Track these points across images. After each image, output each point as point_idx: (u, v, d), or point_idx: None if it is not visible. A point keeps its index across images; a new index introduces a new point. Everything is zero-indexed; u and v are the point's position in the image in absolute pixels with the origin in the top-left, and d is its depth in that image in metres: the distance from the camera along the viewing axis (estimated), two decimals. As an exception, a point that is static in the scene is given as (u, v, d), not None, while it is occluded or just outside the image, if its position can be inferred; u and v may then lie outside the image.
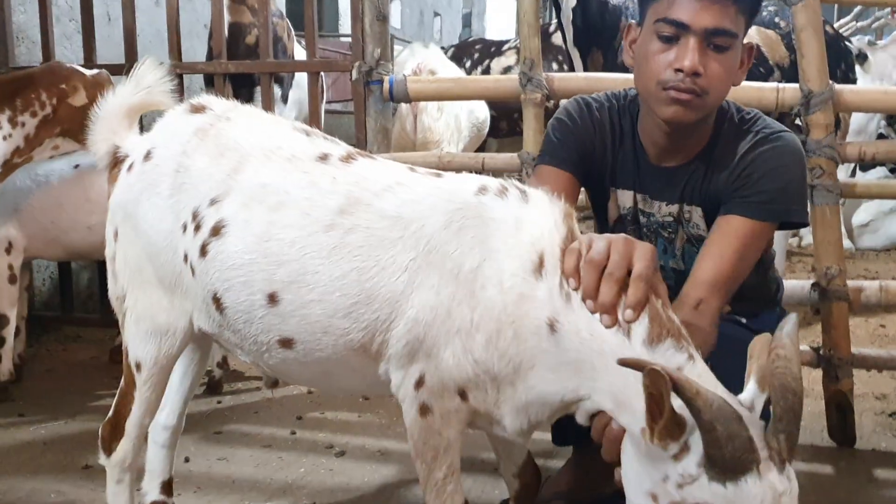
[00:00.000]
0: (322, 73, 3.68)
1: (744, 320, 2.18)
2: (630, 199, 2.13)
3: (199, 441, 2.95)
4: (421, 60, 5.08)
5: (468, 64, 6.34)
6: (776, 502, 1.33)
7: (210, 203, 1.82)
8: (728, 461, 1.32)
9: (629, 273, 1.57)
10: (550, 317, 1.60)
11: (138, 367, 1.95)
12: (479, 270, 1.65)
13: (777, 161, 1.94)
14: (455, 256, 1.67)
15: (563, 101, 2.22)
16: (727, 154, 1.99)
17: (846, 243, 6.54)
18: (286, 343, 1.78)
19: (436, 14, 18.04)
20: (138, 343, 1.95)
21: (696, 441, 1.36)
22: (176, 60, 3.62)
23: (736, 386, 1.51)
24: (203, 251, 1.81)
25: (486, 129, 5.69)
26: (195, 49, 5.12)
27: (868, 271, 5.98)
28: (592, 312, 1.57)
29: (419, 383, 1.70)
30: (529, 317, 1.62)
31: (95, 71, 3.29)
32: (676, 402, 1.36)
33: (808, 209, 2.06)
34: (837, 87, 2.76)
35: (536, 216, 1.69)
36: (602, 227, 2.23)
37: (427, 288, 1.67)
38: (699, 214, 2.06)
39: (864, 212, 6.84)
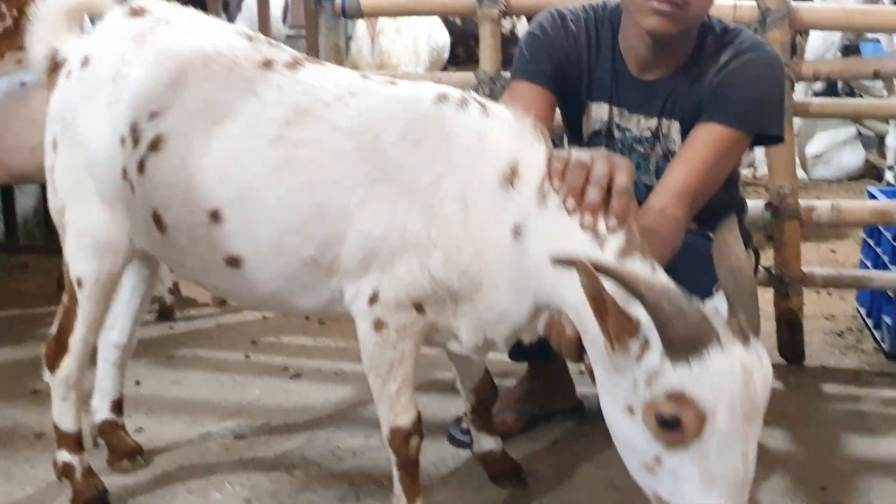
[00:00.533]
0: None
1: (711, 235, 2.16)
2: (606, 113, 2.10)
3: (151, 365, 2.92)
4: None
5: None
6: (747, 379, 1.30)
7: (149, 116, 1.74)
8: (685, 337, 1.29)
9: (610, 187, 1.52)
10: (517, 223, 1.55)
11: (80, 283, 1.90)
12: (438, 185, 1.59)
13: (757, 71, 1.93)
14: (413, 170, 1.61)
15: (536, 16, 2.16)
16: (709, 66, 1.97)
17: (801, 174, 6.60)
18: (233, 262, 1.72)
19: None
20: (79, 259, 1.89)
21: (654, 335, 1.34)
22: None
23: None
24: (141, 167, 1.73)
25: (447, 55, 5.59)
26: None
27: (820, 199, 6.05)
28: (573, 212, 1.51)
29: (373, 298, 1.65)
30: (493, 231, 1.57)
31: None
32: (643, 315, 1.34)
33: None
34: (794, 3, 2.74)
35: (501, 130, 1.63)
36: (576, 143, 2.19)
37: (382, 201, 1.61)
38: (677, 130, 2.04)
39: (817, 143, 6.88)
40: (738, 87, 1.91)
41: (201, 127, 1.70)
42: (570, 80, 2.07)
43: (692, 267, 1.64)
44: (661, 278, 1.47)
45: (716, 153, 1.87)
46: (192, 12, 1.91)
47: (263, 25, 3.49)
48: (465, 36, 5.61)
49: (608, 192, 1.51)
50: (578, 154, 1.56)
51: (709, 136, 1.88)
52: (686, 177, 1.84)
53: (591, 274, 1.31)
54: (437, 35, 5.37)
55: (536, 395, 2.44)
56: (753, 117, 1.92)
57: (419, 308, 1.65)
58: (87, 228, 1.87)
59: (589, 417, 2.51)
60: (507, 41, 5.37)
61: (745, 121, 1.91)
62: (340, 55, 3.27)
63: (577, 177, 1.52)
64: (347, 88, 1.71)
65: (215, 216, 1.69)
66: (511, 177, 1.57)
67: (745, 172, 6.29)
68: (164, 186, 1.72)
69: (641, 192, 2.06)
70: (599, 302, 1.34)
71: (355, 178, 1.63)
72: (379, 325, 1.67)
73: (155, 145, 1.72)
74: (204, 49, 1.77)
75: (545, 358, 2.44)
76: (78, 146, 1.84)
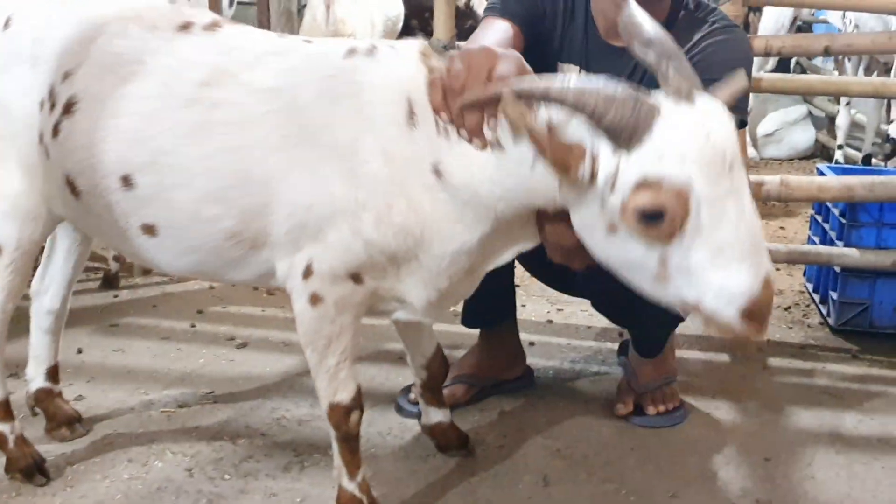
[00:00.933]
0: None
1: None
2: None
3: (93, 333, 2.86)
4: None
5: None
6: (707, 134, 1.21)
7: (63, 77, 1.67)
8: (626, 122, 1.21)
9: None
10: (433, 162, 1.50)
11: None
12: (358, 143, 1.52)
13: (730, 54, 1.91)
14: (331, 130, 1.54)
15: None
16: (681, 40, 1.91)
17: (752, 152, 6.67)
18: (149, 230, 1.65)
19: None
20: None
21: (598, 143, 1.27)
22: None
23: None
24: (55, 131, 1.67)
25: (400, 26, 5.54)
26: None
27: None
28: (468, 141, 1.46)
29: (307, 272, 1.58)
30: (417, 175, 1.51)
31: None
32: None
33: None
34: (749, -23, 2.74)
35: (399, 65, 1.56)
36: None
37: (304, 167, 1.54)
38: None
39: (769, 122, 6.97)
40: (712, 72, 1.84)
41: (113, 84, 1.63)
42: (542, 34, 2.05)
43: None
44: (581, 81, 1.31)
45: None
46: None
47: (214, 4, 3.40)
48: (420, 8, 5.55)
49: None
50: (454, 65, 1.45)
51: None
52: None
53: (515, 106, 1.25)
54: (391, 5, 5.31)
55: (487, 366, 2.43)
56: (742, 106, 1.92)
57: (356, 278, 1.59)
58: (5, 193, 1.79)
59: (538, 387, 2.52)
60: (463, 14, 5.37)
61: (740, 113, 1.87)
62: (292, 21, 3.22)
63: (455, 103, 1.44)
64: (266, 48, 1.65)
65: (127, 181, 1.62)
66: (411, 115, 1.51)
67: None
68: (76, 150, 1.65)
69: None
70: (532, 132, 1.26)
71: (273, 143, 1.55)
72: (315, 299, 1.60)
73: (68, 108, 1.65)
74: (123, 10, 1.71)
75: (497, 323, 2.44)
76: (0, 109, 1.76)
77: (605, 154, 1.27)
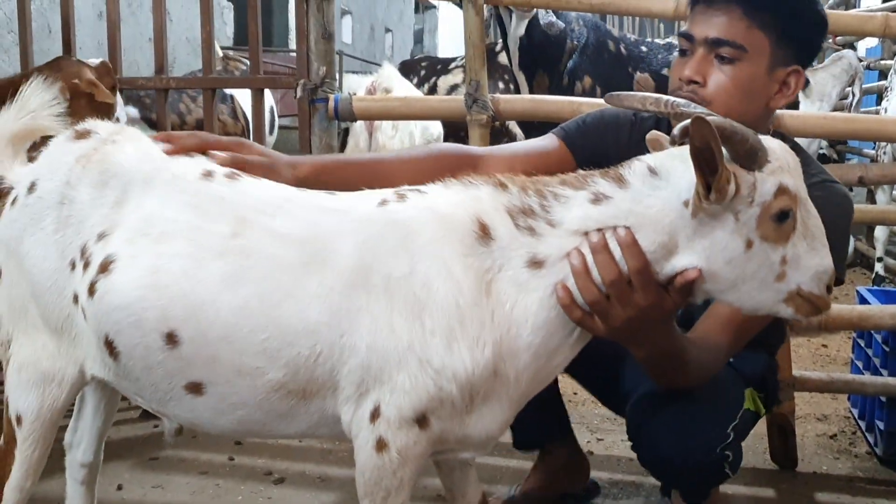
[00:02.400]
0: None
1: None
2: None
3: (134, 468, 2.86)
4: (374, 79, 5.06)
5: (414, 81, 6.33)
6: (792, 154, 1.53)
7: (98, 238, 1.69)
8: (759, 145, 1.47)
9: None
10: (529, 259, 1.55)
11: (19, 420, 1.79)
12: (413, 273, 1.54)
13: (828, 213, 1.75)
14: (380, 269, 1.55)
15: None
16: None
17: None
18: (195, 388, 1.64)
19: (387, 30, 18.06)
20: (20, 393, 1.78)
21: (736, 167, 1.47)
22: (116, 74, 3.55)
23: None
24: (91, 290, 1.67)
25: (441, 145, 5.68)
26: (138, 63, 5.03)
27: (811, 290, 6.06)
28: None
29: (374, 414, 1.57)
30: (500, 282, 1.54)
31: (98, 61, 3.22)
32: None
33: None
34: (778, 112, 2.78)
35: (451, 196, 1.62)
36: None
37: (356, 311, 1.55)
38: None
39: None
40: None
41: (147, 245, 1.65)
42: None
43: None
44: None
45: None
46: (136, 131, 1.86)
47: (257, 119, 3.52)
48: (455, 127, 5.70)
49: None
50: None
51: None
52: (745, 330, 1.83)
53: (706, 122, 1.39)
54: (432, 128, 5.46)
55: (551, 481, 2.42)
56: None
57: (423, 421, 1.56)
58: (29, 359, 1.78)
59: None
60: (498, 133, 5.50)
61: None
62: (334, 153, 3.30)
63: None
64: (287, 197, 1.68)
65: (171, 338, 1.62)
66: (485, 229, 1.56)
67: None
68: (114, 310, 1.65)
69: None
70: (711, 154, 1.41)
71: (312, 292, 1.57)
72: (381, 444, 1.57)
73: (104, 267, 1.66)
74: (145, 166, 1.73)
75: (552, 438, 2.41)
76: (23, 274, 1.77)
77: (741, 173, 1.47)
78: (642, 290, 1.51)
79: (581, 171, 1.62)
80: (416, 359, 1.53)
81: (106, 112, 3.22)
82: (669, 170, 1.53)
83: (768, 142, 1.51)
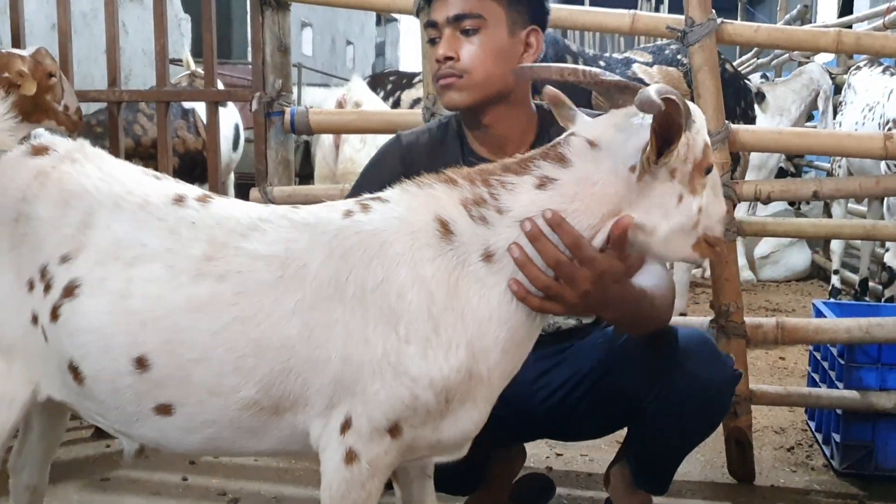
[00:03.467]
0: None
1: None
2: None
3: (84, 489, 2.79)
4: (345, 92, 5.03)
5: (381, 95, 6.30)
6: (697, 108, 1.64)
7: (60, 260, 1.65)
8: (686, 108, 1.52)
9: None
10: (483, 252, 1.57)
11: None
12: (386, 282, 1.55)
13: None
14: (353, 280, 1.56)
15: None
16: None
17: (748, 275, 6.70)
18: (163, 409, 1.62)
19: (348, 42, 18.03)
20: None
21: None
22: (67, 87, 3.47)
23: None
24: (54, 314, 1.63)
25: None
26: (93, 76, 4.95)
27: (769, 303, 6.13)
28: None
29: (345, 426, 1.57)
30: (464, 279, 1.56)
31: (34, 49, 3.15)
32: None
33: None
34: (733, 127, 2.80)
35: (410, 201, 1.63)
36: None
37: (330, 325, 1.55)
38: None
39: (765, 244, 7.03)
40: None
41: (118, 270, 1.62)
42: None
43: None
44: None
45: None
46: (98, 151, 1.82)
47: (211, 133, 3.47)
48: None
49: None
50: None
51: None
52: None
53: (677, 105, 1.46)
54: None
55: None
56: None
57: (395, 431, 1.57)
58: None
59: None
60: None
61: None
62: (290, 169, 3.26)
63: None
64: (258, 217, 1.67)
65: (141, 362, 1.59)
66: (444, 229, 1.58)
67: (695, 273, 6.38)
68: (80, 334, 1.62)
69: None
70: (678, 127, 1.48)
71: (288, 308, 1.57)
72: (350, 457, 1.57)
73: (69, 291, 1.63)
74: (113, 188, 1.70)
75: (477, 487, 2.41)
76: None
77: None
78: (587, 264, 1.56)
79: (520, 155, 1.66)
80: (392, 369, 1.54)
81: (52, 98, 3.17)
82: (610, 141, 1.58)
83: (692, 105, 1.60)
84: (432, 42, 2.07)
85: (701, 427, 2.13)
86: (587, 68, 1.63)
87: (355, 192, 2.07)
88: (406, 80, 6.60)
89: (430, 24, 2.07)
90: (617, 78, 1.61)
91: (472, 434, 1.66)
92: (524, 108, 2.13)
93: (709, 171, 1.60)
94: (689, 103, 1.59)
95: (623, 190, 1.55)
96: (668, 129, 1.49)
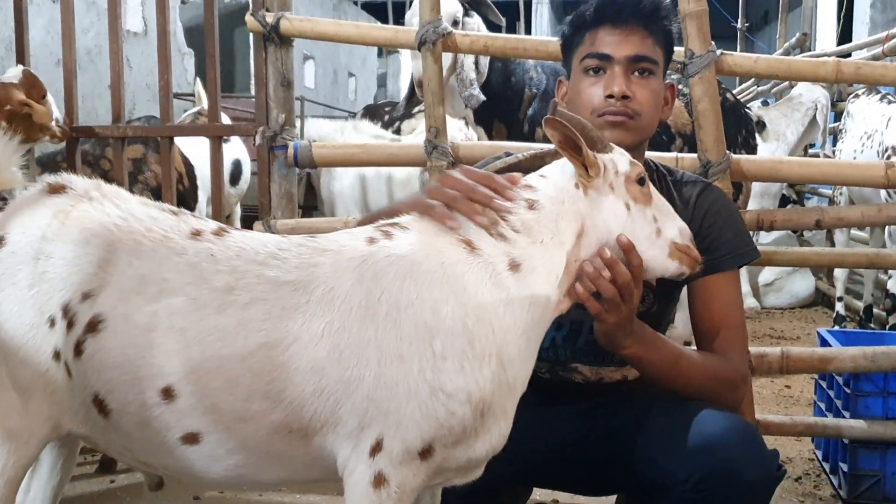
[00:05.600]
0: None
1: None
2: None
3: (87, 527, 2.78)
4: None
5: (378, 125, 6.35)
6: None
7: (83, 297, 1.66)
8: (600, 141, 1.75)
9: None
10: (509, 261, 1.65)
11: None
12: (420, 300, 1.58)
13: (728, 208, 2.16)
14: (385, 301, 1.58)
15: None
16: (669, 194, 2.10)
17: (752, 302, 6.70)
18: (191, 439, 1.63)
19: (350, 74, 18.14)
20: None
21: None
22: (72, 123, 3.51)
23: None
24: (78, 350, 1.65)
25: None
26: (97, 111, 4.98)
27: (774, 330, 6.12)
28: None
29: (375, 448, 1.57)
30: (493, 289, 1.62)
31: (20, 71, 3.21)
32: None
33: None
34: (734, 157, 2.81)
35: (429, 225, 1.70)
36: None
37: (362, 345, 1.57)
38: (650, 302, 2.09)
39: (768, 271, 7.03)
40: (721, 230, 2.08)
41: (141, 304, 1.64)
42: None
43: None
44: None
45: (738, 292, 2.10)
46: (115, 189, 1.85)
47: (215, 169, 3.49)
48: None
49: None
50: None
51: (724, 281, 2.07)
52: (730, 320, 2.04)
53: (560, 123, 1.65)
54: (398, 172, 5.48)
55: None
56: (745, 249, 2.13)
57: (426, 453, 1.57)
58: None
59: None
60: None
61: (741, 256, 2.12)
62: (293, 203, 3.28)
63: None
64: (276, 246, 1.70)
65: (168, 393, 1.61)
66: (470, 244, 1.66)
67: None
68: (105, 369, 1.63)
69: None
70: (573, 139, 1.66)
71: (316, 331, 1.59)
72: (379, 480, 1.57)
73: (92, 327, 1.64)
74: (132, 225, 1.72)
75: None
76: None
77: (599, 155, 1.73)
78: (639, 287, 1.74)
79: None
80: (428, 386, 1.55)
81: (48, 118, 3.23)
82: (549, 173, 1.78)
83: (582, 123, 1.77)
84: (594, 72, 2.07)
85: None
86: (590, 126, 1.77)
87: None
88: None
89: (597, 56, 2.06)
90: (599, 133, 1.78)
91: (498, 448, 1.68)
92: (644, 149, 2.18)
93: (641, 181, 1.74)
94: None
95: (581, 206, 1.71)
96: (568, 143, 1.67)
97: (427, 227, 1.70)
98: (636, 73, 2.05)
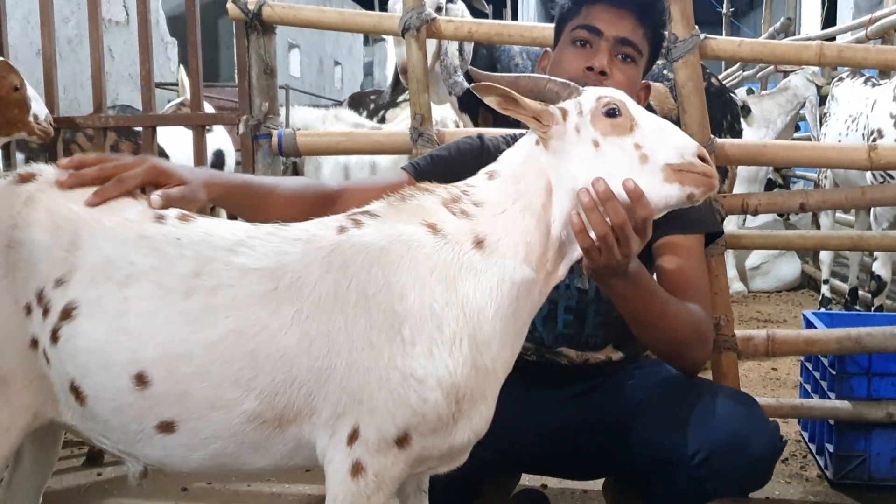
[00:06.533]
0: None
1: None
2: None
3: (75, 519, 2.77)
4: None
5: (364, 114, 6.32)
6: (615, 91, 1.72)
7: (56, 283, 1.66)
8: (563, 90, 1.71)
9: None
10: (473, 239, 1.63)
11: None
12: (387, 286, 1.57)
13: None
14: (354, 289, 1.58)
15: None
16: None
17: (739, 286, 6.72)
18: (166, 427, 1.62)
19: (336, 63, 18.06)
20: None
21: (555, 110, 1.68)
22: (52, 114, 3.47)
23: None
24: (54, 337, 1.65)
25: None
26: (80, 101, 4.93)
27: (760, 313, 6.14)
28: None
29: (352, 437, 1.57)
30: (461, 270, 1.60)
31: None
32: None
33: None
34: (719, 141, 2.81)
35: (397, 212, 1.68)
36: None
37: (332, 333, 1.56)
38: None
39: (755, 255, 7.05)
40: None
41: (112, 289, 1.63)
42: None
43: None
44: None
45: (700, 256, 2.13)
46: None
47: (198, 159, 3.46)
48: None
49: None
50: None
51: (686, 242, 2.09)
52: (692, 279, 2.05)
53: (489, 86, 1.63)
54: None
55: None
56: (708, 219, 2.16)
57: (403, 441, 1.56)
58: None
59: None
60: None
61: (703, 224, 2.15)
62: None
63: None
64: (244, 233, 1.69)
65: (141, 379, 1.60)
66: (434, 227, 1.64)
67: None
68: (81, 354, 1.63)
69: (573, 296, 2.19)
70: (510, 99, 1.64)
71: (284, 319, 1.58)
72: (357, 469, 1.56)
73: (67, 313, 1.64)
74: (94, 209, 1.71)
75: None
76: None
77: (565, 104, 1.70)
78: (640, 233, 1.66)
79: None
80: (398, 372, 1.55)
81: (21, 111, 3.18)
82: (518, 140, 1.78)
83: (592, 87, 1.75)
84: (582, 44, 2.09)
85: (737, 492, 2.07)
86: (533, 75, 1.74)
87: (426, 162, 2.19)
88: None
89: (588, 28, 2.08)
90: (559, 80, 1.73)
91: (481, 434, 1.67)
92: None
93: (611, 113, 1.65)
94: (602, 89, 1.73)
95: (544, 160, 1.68)
96: (509, 101, 1.64)
97: (396, 214, 1.68)
98: (619, 56, 2.06)
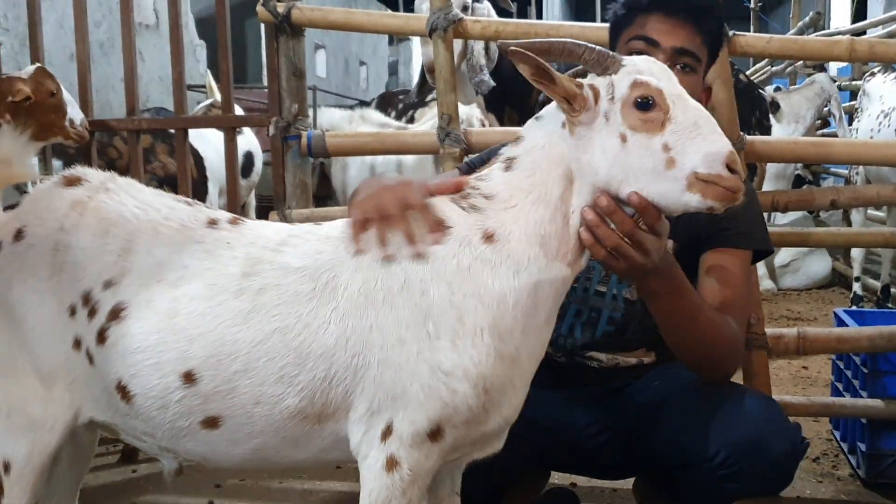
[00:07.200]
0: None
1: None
2: None
3: (111, 515, 2.82)
4: None
5: (392, 114, 6.34)
6: (657, 63, 1.64)
7: (104, 286, 1.71)
8: (607, 53, 1.61)
9: None
10: (482, 233, 1.62)
11: (6, 467, 1.76)
12: (410, 281, 1.60)
13: (748, 195, 2.03)
14: (380, 286, 1.62)
15: None
16: None
17: (769, 284, 6.67)
18: (211, 423, 1.67)
19: (361, 63, 18.13)
20: (7, 439, 1.76)
21: (590, 77, 1.62)
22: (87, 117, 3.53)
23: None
24: (101, 337, 1.70)
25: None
26: (111, 104, 4.99)
27: (791, 311, 6.09)
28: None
29: (386, 432, 1.60)
30: (475, 262, 1.60)
31: (33, 68, 3.22)
32: None
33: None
34: (749, 138, 2.81)
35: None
36: None
37: (366, 330, 1.61)
38: (671, 246, 2.03)
39: (785, 252, 6.99)
40: (742, 211, 1.98)
41: (163, 291, 1.69)
42: None
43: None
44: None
45: (745, 273, 2.07)
46: (129, 181, 1.87)
47: (229, 160, 3.50)
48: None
49: None
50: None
51: (732, 258, 2.05)
52: (731, 294, 2.00)
53: (525, 54, 1.53)
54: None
55: None
56: (758, 235, 2.12)
57: (436, 434, 1.59)
58: (17, 405, 1.76)
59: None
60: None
61: (752, 240, 2.10)
62: (307, 192, 3.29)
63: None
64: (287, 233, 1.75)
65: (189, 377, 1.65)
66: (442, 224, 1.64)
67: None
68: (130, 354, 1.68)
69: (619, 308, 2.16)
70: (544, 73, 1.55)
71: (323, 318, 1.62)
72: (392, 463, 1.60)
73: (115, 314, 1.69)
74: (150, 215, 1.77)
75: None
76: (12, 321, 1.76)
77: (597, 80, 1.61)
78: (654, 233, 1.64)
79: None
80: (427, 366, 1.58)
81: (57, 116, 3.23)
82: (544, 113, 1.69)
83: (633, 58, 1.66)
84: (638, 55, 2.00)
85: (759, 493, 2.04)
86: (570, 40, 1.64)
87: (480, 161, 2.20)
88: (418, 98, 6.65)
89: (644, 39, 2.04)
90: (597, 49, 1.63)
91: (512, 420, 1.69)
92: None
93: (643, 105, 1.56)
94: (638, 58, 1.66)
95: (566, 147, 1.62)
96: (542, 74, 1.56)
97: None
98: (678, 67, 2.01)
